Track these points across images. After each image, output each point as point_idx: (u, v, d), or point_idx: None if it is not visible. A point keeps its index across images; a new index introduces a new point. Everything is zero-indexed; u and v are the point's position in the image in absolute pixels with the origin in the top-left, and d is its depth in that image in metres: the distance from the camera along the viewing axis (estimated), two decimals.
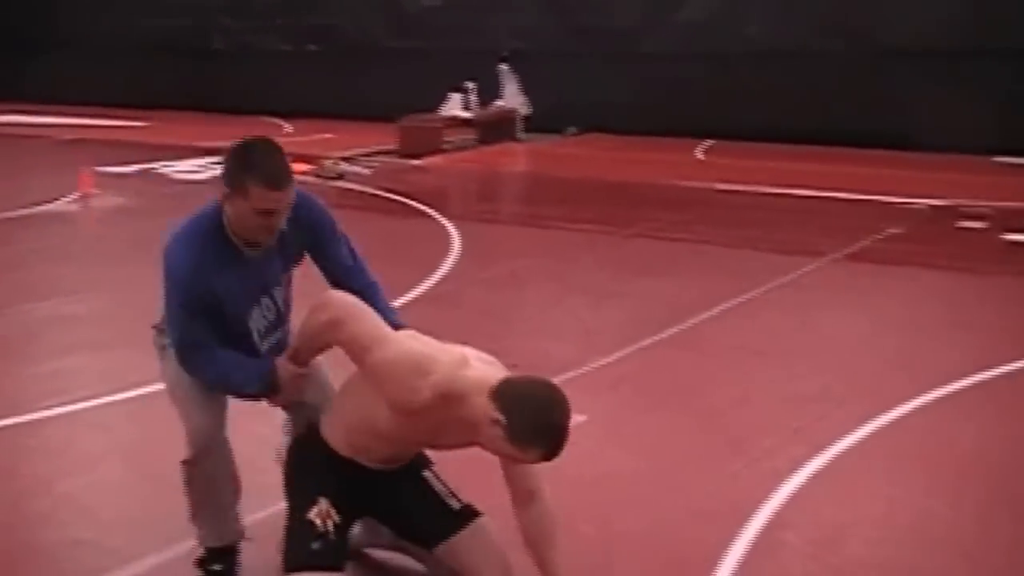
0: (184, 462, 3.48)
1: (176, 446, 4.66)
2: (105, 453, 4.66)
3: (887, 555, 3.77)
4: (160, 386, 5.23)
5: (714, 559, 3.68)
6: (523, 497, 3.24)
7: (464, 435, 3.09)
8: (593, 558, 3.69)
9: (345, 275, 3.56)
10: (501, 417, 2.91)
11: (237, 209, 3.23)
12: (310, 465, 3.35)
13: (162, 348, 3.50)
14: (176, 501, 4.13)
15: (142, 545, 3.79)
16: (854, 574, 3.65)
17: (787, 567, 3.69)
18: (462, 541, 3.36)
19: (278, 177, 3.19)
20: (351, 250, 3.66)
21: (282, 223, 3.26)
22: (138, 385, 5.33)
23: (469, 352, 3.19)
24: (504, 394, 2.95)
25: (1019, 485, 4.38)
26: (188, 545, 3.71)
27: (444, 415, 3.05)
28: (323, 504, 3.24)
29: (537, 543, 3.26)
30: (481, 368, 3.08)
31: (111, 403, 5.16)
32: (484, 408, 2.95)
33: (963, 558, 3.78)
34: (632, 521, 4.01)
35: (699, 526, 3.98)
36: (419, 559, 3.49)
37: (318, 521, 3.22)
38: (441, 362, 3.07)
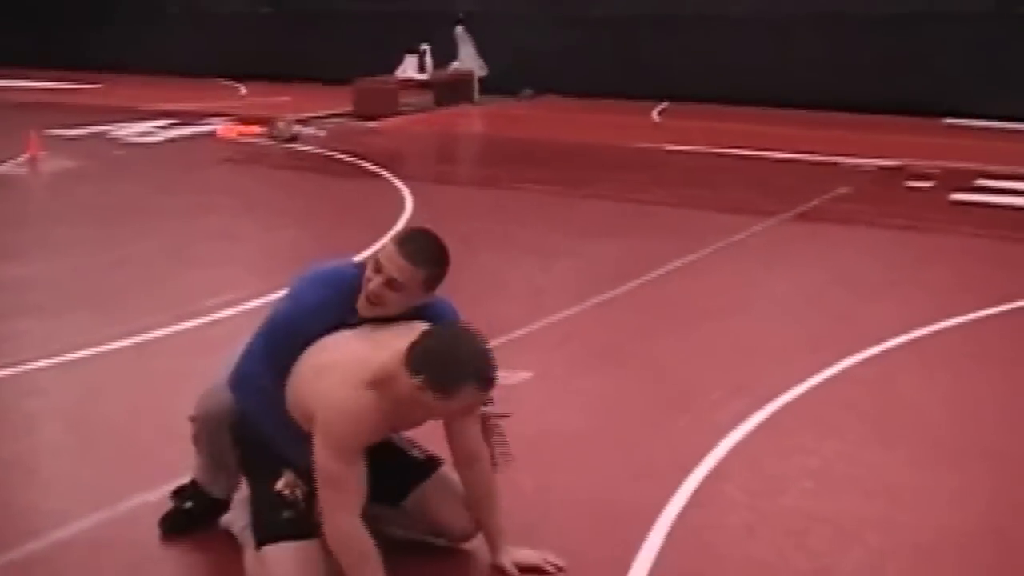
0: (190, 417, 3.54)
1: (115, 410, 4.67)
2: (45, 417, 4.61)
3: (824, 505, 3.81)
4: (100, 349, 5.28)
5: (653, 512, 3.69)
6: (464, 459, 3.25)
7: (415, 413, 3.06)
8: (530, 514, 3.68)
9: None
10: (418, 380, 2.86)
11: None
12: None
13: None
14: (114, 463, 4.14)
15: (79, 507, 3.75)
16: (790, 523, 3.68)
17: (724, 517, 3.71)
18: (428, 491, 3.37)
19: (408, 245, 3.12)
20: None
21: (378, 294, 3.11)
22: (81, 348, 5.30)
23: (377, 336, 3.12)
24: (413, 358, 2.87)
25: (956, 436, 4.44)
26: (125, 506, 3.72)
27: (390, 404, 2.98)
28: (288, 475, 3.19)
29: (479, 504, 3.28)
30: (394, 344, 2.98)
31: (50, 366, 5.09)
32: (406, 380, 2.90)
33: (901, 508, 3.82)
34: (572, 476, 4.02)
35: (640, 480, 3.99)
36: (382, 520, 3.37)
37: (286, 491, 3.17)
38: (350, 363, 3.02)
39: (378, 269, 3.12)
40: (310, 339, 3.15)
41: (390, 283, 3.11)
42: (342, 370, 3.00)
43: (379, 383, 2.95)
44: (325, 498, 2.99)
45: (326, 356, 3.09)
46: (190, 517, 3.55)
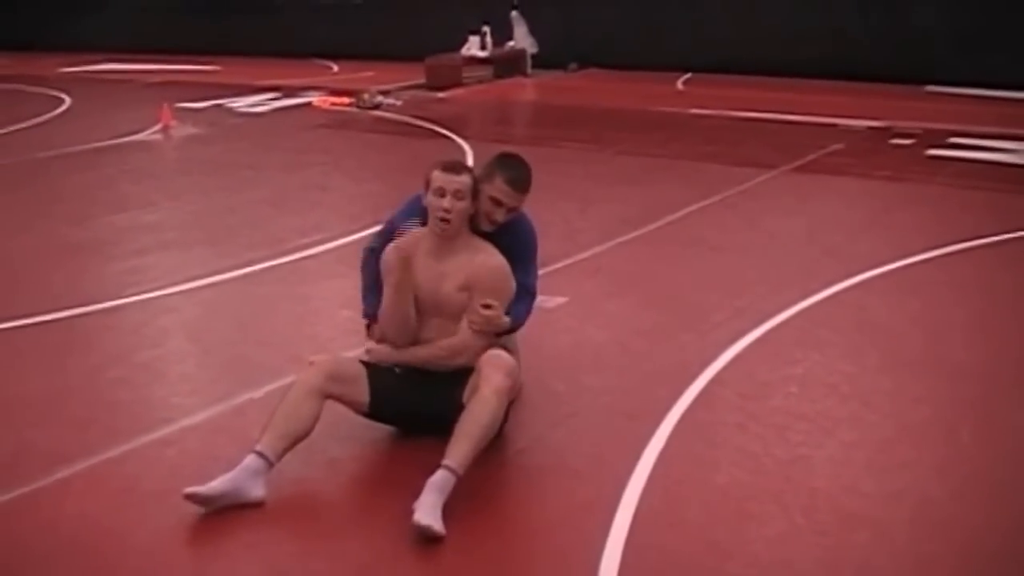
0: None
1: (227, 326, 4.79)
2: (173, 331, 4.75)
3: (804, 406, 3.82)
4: (215, 278, 5.41)
5: (662, 409, 3.75)
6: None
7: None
8: (562, 410, 3.76)
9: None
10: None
11: None
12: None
13: None
14: (226, 368, 4.27)
15: (199, 401, 3.90)
16: (775, 420, 3.71)
17: (719, 415, 3.76)
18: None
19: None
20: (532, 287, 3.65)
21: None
22: (201, 277, 5.43)
23: None
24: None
25: (922, 350, 4.41)
26: (235, 402, 3.84)
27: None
28: None
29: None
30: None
31: (178, 292, 5.22)
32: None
33: (870, 409, 3.83)
34: (597, 380, 4.08)
35: (652, 384, 4.04)
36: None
37: None
38: None
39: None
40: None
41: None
42: None
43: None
44: None
45: None
46: None
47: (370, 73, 15.97)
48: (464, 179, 3.42)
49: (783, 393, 3.94)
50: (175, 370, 4.29)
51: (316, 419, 3.21)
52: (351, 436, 3.47)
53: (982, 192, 7.32)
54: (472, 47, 15.25)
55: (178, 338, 4.67)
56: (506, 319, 3.45)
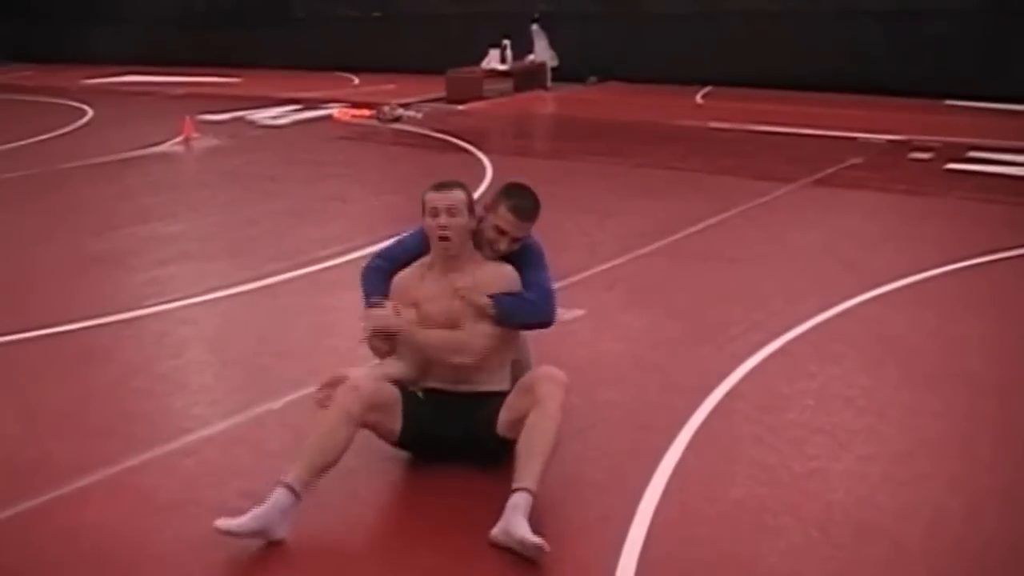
0: None
1: (247, 337, 4.82)
2: (192, 342, 4.79)
3: (821, 419, 3.81)
4: (235, 289, 5.44)
5: (679, 422, 3.75)
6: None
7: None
8: (580, 422, 3.74)
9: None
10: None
11: None
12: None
13: None
14: (245, 379, 4.29)
15: (219, 412, 3.92)
16: (792, 434, 3.70)
17: (736, 428, 3.75)
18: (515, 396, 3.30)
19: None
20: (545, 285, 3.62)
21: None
22: (222, 288, 5.47)
23: None
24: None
25: (938, 364, 4.40)
26: (254, 412, 3.87)
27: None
28: None
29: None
30: None
31: (198, 303, 5.26)
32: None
33: (886, 422, 3.82)
34: (613, 393, 4.08)
35: (669, 397, 4.04)
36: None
37: None
38: None
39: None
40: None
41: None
42: None
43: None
44: None
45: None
46: None
47: (391, 86, 16.07)
48: (456, 194, 3.42)
49: (800, 406, 3.93)
50: (194, 381, 4.32)
51: (347, 448, 3.15)
52: (367, 450, 3.48)
53: (1000, 206, 7.29)
54: (492, 60, 15.31)
55: (198, 349, 4.70)
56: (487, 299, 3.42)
